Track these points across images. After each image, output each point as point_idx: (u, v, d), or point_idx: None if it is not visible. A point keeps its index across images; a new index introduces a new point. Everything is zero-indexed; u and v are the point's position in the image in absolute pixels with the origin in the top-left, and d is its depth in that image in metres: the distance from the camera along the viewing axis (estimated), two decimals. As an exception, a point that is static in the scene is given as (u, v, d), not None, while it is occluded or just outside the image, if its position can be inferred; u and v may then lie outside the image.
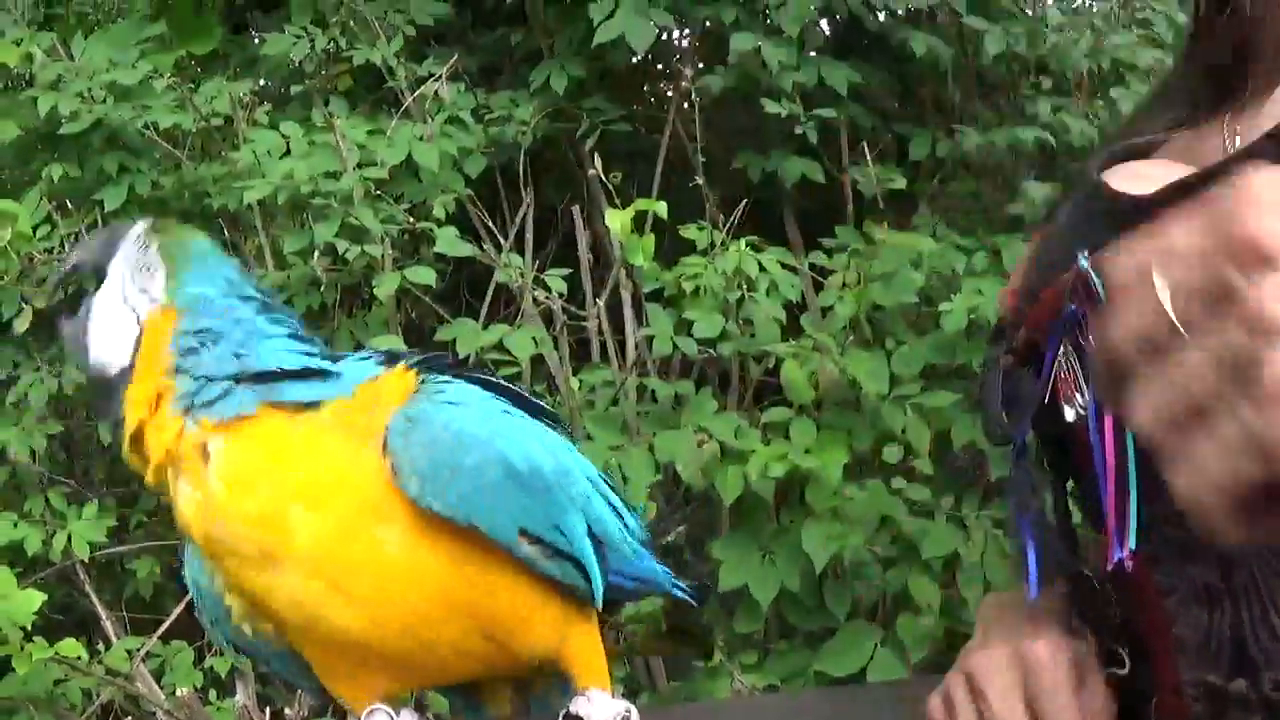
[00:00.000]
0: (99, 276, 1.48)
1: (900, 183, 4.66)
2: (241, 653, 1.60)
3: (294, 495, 1.36)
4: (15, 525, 4.20)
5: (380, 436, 1.39)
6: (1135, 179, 1.24)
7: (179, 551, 4.31)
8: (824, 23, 5.02)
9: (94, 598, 4.50)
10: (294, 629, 1.46)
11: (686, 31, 5.18)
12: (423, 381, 1.47)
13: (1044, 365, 1.27)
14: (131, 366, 1.45)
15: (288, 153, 4.42)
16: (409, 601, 1.41)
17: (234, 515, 1.37)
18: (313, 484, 1.37)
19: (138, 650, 4.22)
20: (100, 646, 4.35)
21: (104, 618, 4.50)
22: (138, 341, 1.46)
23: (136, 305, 1.47)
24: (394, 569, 1.39)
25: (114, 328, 1.47)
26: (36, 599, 3.58)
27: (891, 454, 4.15)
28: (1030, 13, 5.11)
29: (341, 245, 4.14)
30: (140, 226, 1.52)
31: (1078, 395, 1.28)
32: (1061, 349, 1.26)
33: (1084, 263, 1.07)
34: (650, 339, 4.19)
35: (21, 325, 4.40)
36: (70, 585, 4.60)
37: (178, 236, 1.53)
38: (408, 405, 1.41)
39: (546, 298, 4.19)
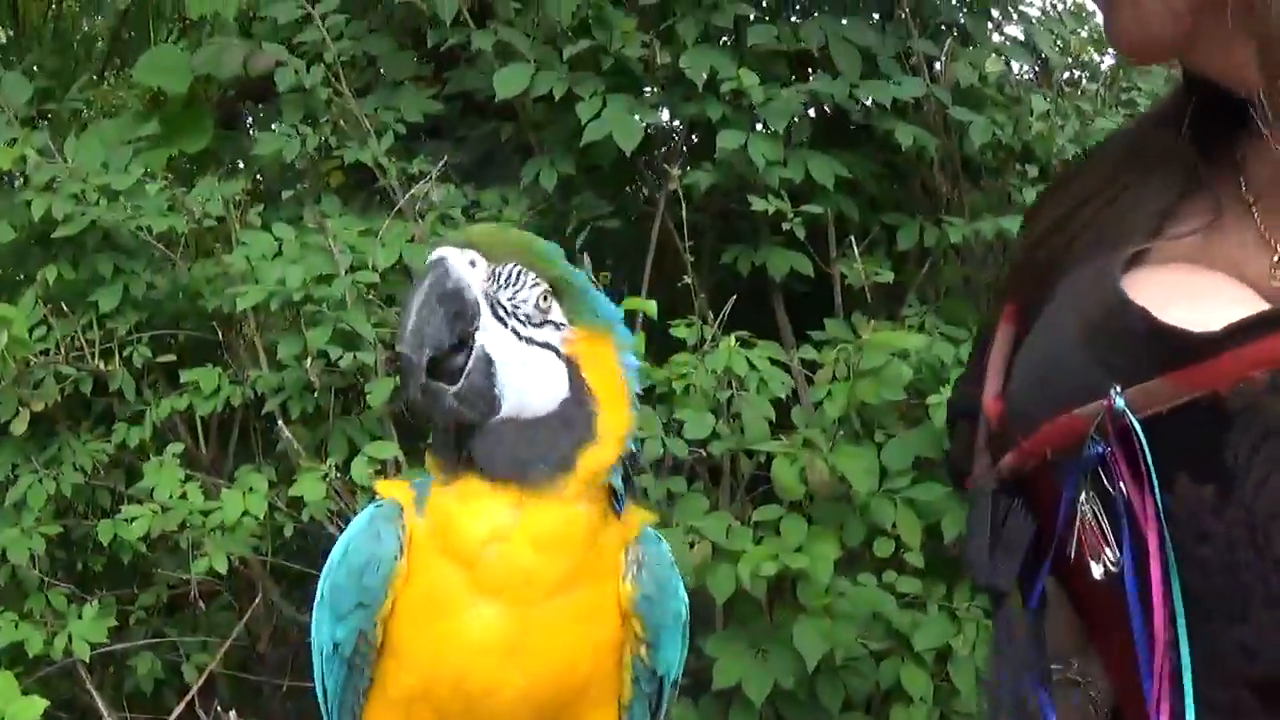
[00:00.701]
0: (454, 334, 1.69)
1: (887, 275, 4.75)
2: None
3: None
4: (17, 626, 4.30)
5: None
6: (1168, 299, 1.12)
7: (179, 647, 4.39)
8: (811, 111, 5.10)
9: (95, 696, 4.59)
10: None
11: (676, 124, 5.28)
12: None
13: (1060, 508, 1.15)
14: (578, 398, 1.74)
15: (280, 252, 4.51)
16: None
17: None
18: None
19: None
20: (100, 750, 4.46)
21: (105, 716, 4.59)
22: (574, 373, 1.75)
23: (547, 339, 1.75)
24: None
25: (529, 368, 1.72)
26: (39, 705, 3.66)
27: (883, 548, 4.22)
28: (1018, 98, 5.20)
29: (335, 351, 4.23)
30: (473, 262, 1.71)
31: (1106, 550, 1.13)
32: (1083, 494, 1.13)
33: (1120, 402, 1.04)
34: (642, 441, 4.22)
35: (19, 427, 4.51)
36: (72, 681, 4.68)
37: (534, 258, 1.76)
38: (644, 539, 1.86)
39: None
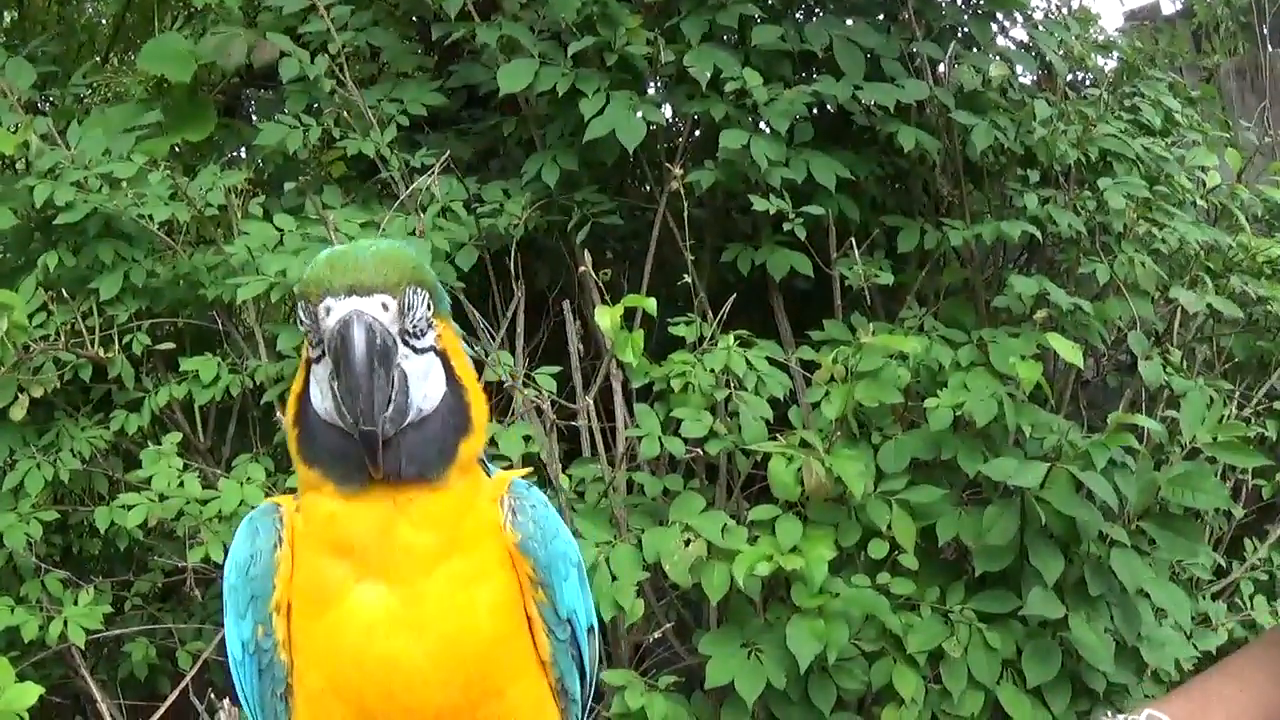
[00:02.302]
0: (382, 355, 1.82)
1: (887, 277, 4.78)
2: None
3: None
4: (12, 611, 4.31)
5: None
6: None
7: (175, 634, 4.42)
8: (814, 112, 5.11)
9: (89, 681, 4.61)
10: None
11: (679, 122, 5.29)
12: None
13: None
14: (454, 390, 1.91)
15: (281, 243, 4.54)
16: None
17: None
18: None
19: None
20: (94, 736, 4.48)
21: (99, 701, 4.62)
22: (447, 365, 1.93)
23: (430, 343, 1.91)
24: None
25: (425, 373, 1.88)
26: (34, 692, 3.68)
27: (877, 549, 4.25)
28: (1021, 99, 5.22)
29: (335, 343, 4.22)
30: (385, 305, 1.84)
31: None
32: None
33: None
34: (640, 439, 4.28)
35: (18, 413, 4.53)
36: (67, 667, 4.71)
37: (420, 274, 1.90)
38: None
39: (537, 396, 4.28)
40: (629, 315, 4.14)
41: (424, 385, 1.88)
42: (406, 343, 1.86)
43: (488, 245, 4.80)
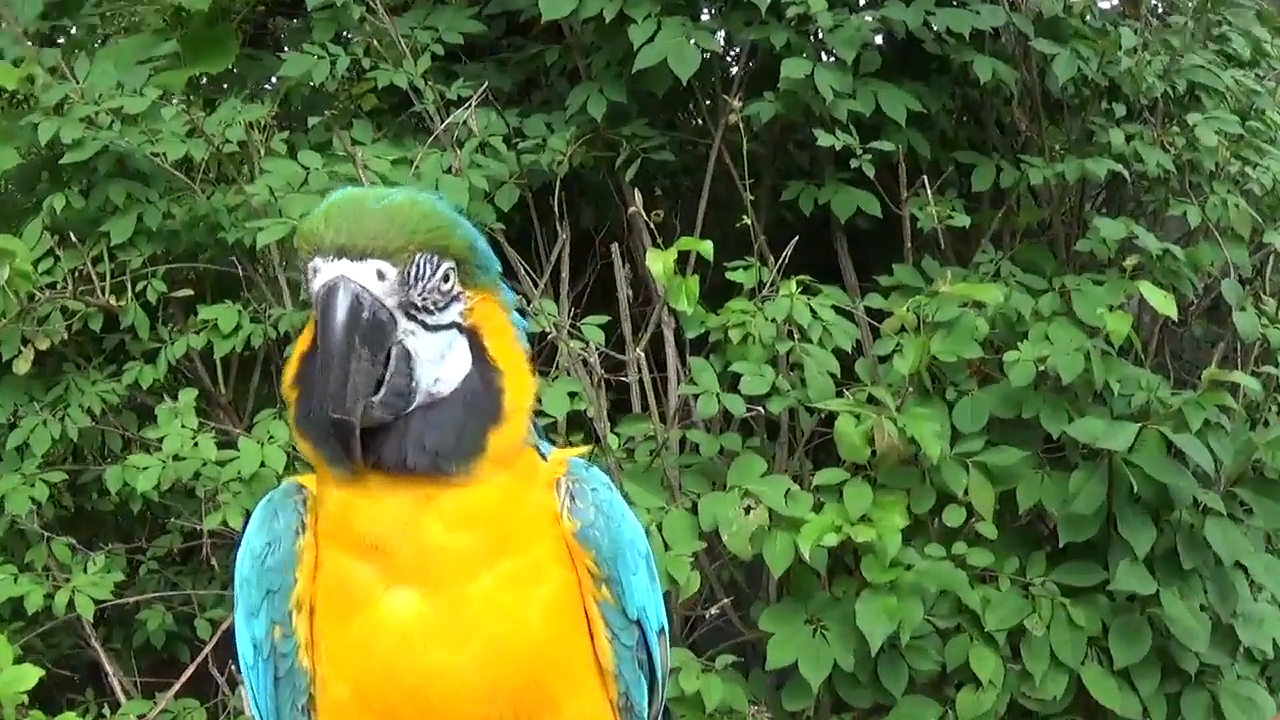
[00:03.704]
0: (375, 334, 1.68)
1: (962, 219, 4.53)
2: None
3: None
4: (15, 580, 4.08)
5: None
6: None
7: (194, 600, 4.25)
8: (880, 40, 4.83)
9: (100, 651, 4.38)
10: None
11: (736, 51, 5.05)
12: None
13: None
14: (483, 371, 1.75)
15: (307, 182, 4.29)
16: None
17: None
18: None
19: (146, 716, 4.12)
20: (106, 711, 4.25)
21: (111, 674, 4.38)
22: (476, 343, 1.76)
23: (451, 319, 1.74)
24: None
25: (439, 353, 1.73)
26: (33, 675, 3.45)
27: (953, 516, 4.05)
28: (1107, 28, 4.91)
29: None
30: (380, 273, 1.67)
31: None
32: None
33: None
34: (696, 397, 4.07)
35: (22, 367, 4.29)
36: (78, 636, 4.49)
37: (437, 237, 1.72)
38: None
39: (583, 349, 4.08)
40: (682, 259, 3.94)
41: (437, 367, 1.73)
42: (413, 317, 1.71)
43: (529, 184, 4.59)
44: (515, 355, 1.81)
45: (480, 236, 1.80)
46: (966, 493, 4.03)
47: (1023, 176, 4.64)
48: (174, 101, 4.49)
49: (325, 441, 1.70)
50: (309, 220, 1.69)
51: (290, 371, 1.78)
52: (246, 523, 1.91)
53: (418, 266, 1.68)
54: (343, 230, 1.65)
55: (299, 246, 1.69)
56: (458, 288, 1.74)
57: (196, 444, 4.02)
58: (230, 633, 4.10)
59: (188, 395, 4.18)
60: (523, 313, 1.94)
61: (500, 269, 1.85)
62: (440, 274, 1.71)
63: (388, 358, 1.69)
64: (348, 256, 1.64)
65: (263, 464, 3.96)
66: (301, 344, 1.78)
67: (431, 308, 1.72)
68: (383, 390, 1.68)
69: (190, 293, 4.57)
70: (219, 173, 4.59)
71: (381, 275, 1.65)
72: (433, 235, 1.70)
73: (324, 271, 1.65)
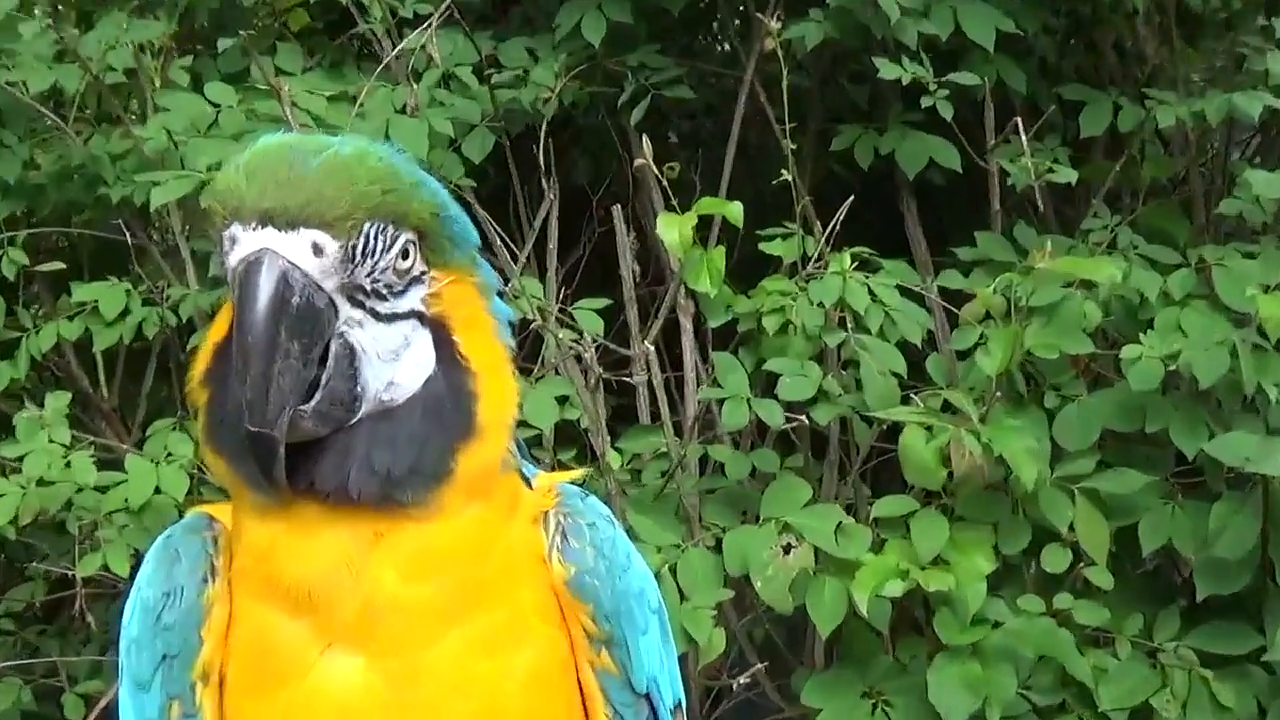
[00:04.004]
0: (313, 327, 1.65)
1: (1067, 173, 4.46)
2: None
3: None
4: None
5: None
6: None
7: (61, 669, 4.23)
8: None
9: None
10: None
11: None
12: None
13: None
14: (450, 372, 1.73)
15: (216, 123, 4.30)
16: None
17: None
18: None
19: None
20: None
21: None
22: (442, 336, 1.74)
23: (410, 306, 1.72)
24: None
25: (393, 348, 1.71)
26: None
27: (1055, 559, 4.03)
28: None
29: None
30: (318, 247, 1.64)
31: None
32: None
33: None
34: (720, 403, 4.04)
35: None
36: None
37: (394, 202, 1.69)
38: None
39: (576, 341, 4.07)
40: (704, 226, 3.95)
41: (391, 367, 1.71)
42: (360, 303, 1.69)
43: (507, 128, 4.59)
44: (493, 352, 1.80)
45: (452, 201, 1.78)
46: (1072, 529, 4.00)
47: (1149, 117, 4.60)
48: (38, 15, 4.48)
49: (243, 460, 1.67)
50: (224, 175, 1.66)
51: (200, 368, 1.76)
52: (136, 567, 1.88)
53: (366, 239, 1.66)
54: (269, 190, 1.62)
55: (211, 209, 1.66)
56: (420, 266, 1.73)
57: (69, 464, 3.98)
58: (111, 712, 4.13)
59: (58, 400, 4.14)
60: (506, 297, 1.93)
61: (478, 241, 1.83)
62: (397, 249, 1.69)
63: (325, 355, 1.67)
64: (274, 224, 1.61)
65: (158, 490, 3.92)
66: (215, 332, 1.76)
67: (384, 292, 1.70)
68: (317, 396, 1.66)
69: (61, 266, 4.56)
70: (99, 110, 4.58)
71: (318, 249, 1.63)
72: (388, 199, 1.67)
73: (243, 243, 1.62)
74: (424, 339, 1.74)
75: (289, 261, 1.61)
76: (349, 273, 1.66)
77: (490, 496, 1.79)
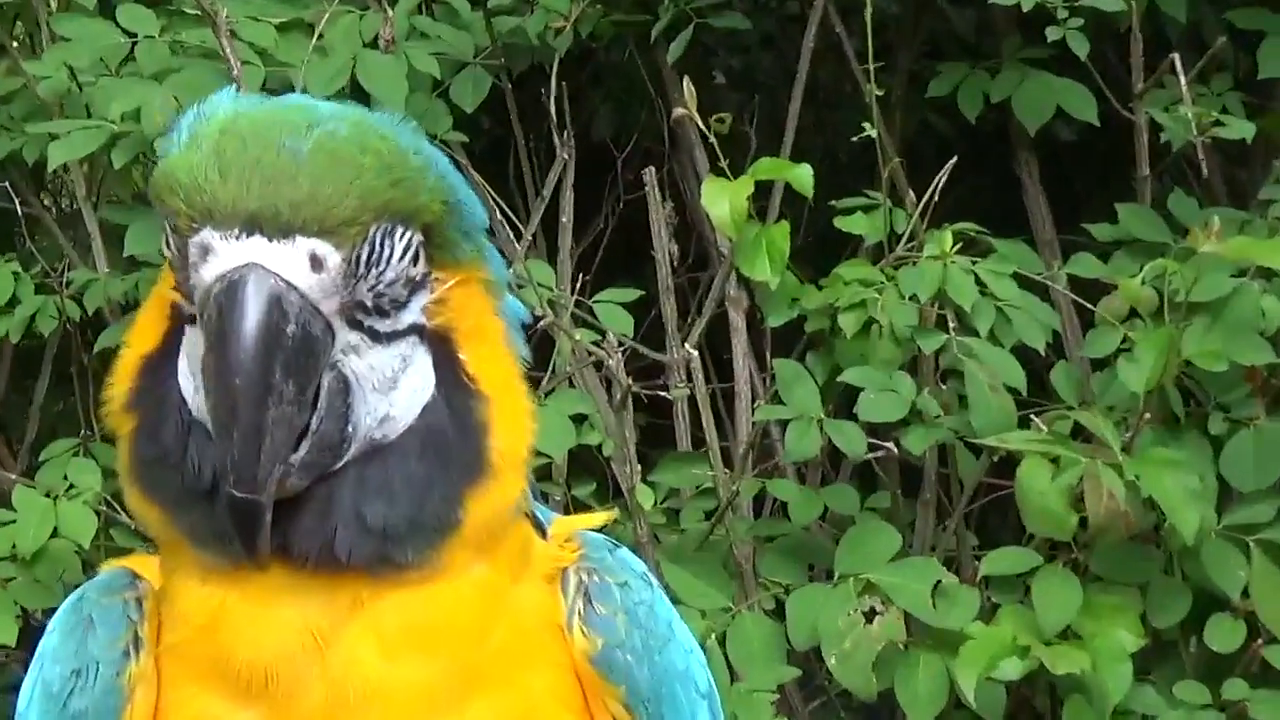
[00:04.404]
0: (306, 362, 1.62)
1: (1240, 125, 4.44)
2: None
3: None
4: None
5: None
6: None
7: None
8: None
9: None
10: None
11: None
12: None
13: None
14: (452, 397, 1.72)
15: (133, 58, 4.31)
16: None
17: None
18: None
19: None
20: None
21: None
22: (444, 353, 1.73)
23: (411, 320, 1.71)
24: None
25: (390, 374, 1.69)
26: None
27: (1223, 634, 4.01)
28: None
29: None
30: (316, 258, 1.62)
31: None
32: None
33: None
34: (783, 425, 4.05)
35: None
36: None
37: (403, 196, 1.67)
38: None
39: (597, 344, 4.06)
40: (761, 195, 3.97)
41: (385, 397, 1.70)
42: (357, 323, 1.67)
43: (508, 66, 4.61)
44: (504, 368, 1.79)
45: (461, 180, 1.77)
46: (1246, 594, 3.98)
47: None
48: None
49: (184, 512, 1.67)
50: (183, 159, 1.62)
51: (121, 387, 1.73)
52: (29, 634, 1.85)
53: (372, 246, 1.65)
54: (252, 185, 1.59)
55: (166, 203, 1.62)
56: (423, 269, 1.71)
57: (-59, 499, 3.98)
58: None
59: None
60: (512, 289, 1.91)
61: (487, 224, 1.83)
62: (407, 254, 1.68)
63: (315, 392, 1.66)
64: (263, 232, 1.59)
65: (55, 532, 3.92)
66: (141, 339, 1.74)
67: (386, 307, 1.69)
68: (304, 445, 1.64)
69: (-68, 243, 4.53)
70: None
71: (317, 263, 1.61)
72: (397, 193, 1.65)
73: (221, 255, 1.59)
74: (423, 357, 1.72)
75: (283, 280, 1.59)
76: (351, 289, 1.64)
77: (498, 550, 1.77)
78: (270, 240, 1.58)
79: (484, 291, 1.79)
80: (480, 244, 1.79)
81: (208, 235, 1.58)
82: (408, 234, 1.66)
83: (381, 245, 1.64)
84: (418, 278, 1.70)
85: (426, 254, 1.70)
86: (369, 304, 1.66)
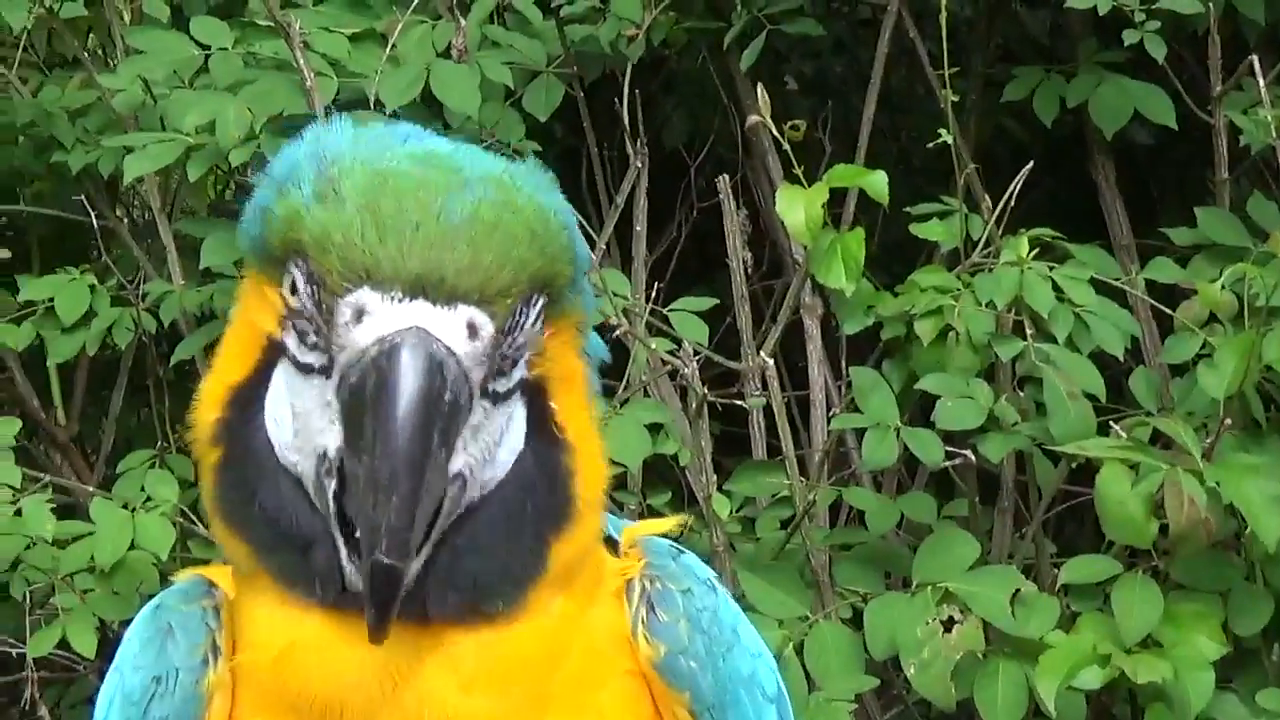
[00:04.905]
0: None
1: None
2: None
3: None
4: None
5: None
6: None
7: None
8: None
9: None
10: None
11: None
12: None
13: None
14: (541, 448, 1.73)
15: (206, 70, 4.32)
16: None
17: None
18: None
19: None
20: None
21: None
22: (537, 404, 1.73)
23: (520, 374, 1.70)
24: None
25: (498, 435, 1.69)
26: None
27: None
28: None
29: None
30: (473, 327, 1.62)
31: None
32: None
33: None
34: (859, 434, 4.05)
35: None
36: None
37: (545, 264, 1.67)
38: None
39: (672, 354, 4.05)
40: (835, 202, 4.00)
41: (494, 458, 1.71)
42: (485, 389, 1.67)
43: (581, 75, 4.62)
44: (586, 412, 1.81)
45: (577, 227, 1.78)
46: (1334, 602, 3.94)
47: None
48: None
49: (294, 566, 1.68)
50: (333, 215, 1.61)
51: (209, 415, 1.73)
52: (106, 646, 1.85)
53: (515, 313, 1.66)
54: (415, 247, 1.59)
55: (308, 254, 1.62)
56: (542, 327, 1.72)
57: (19, 511, 3.99)
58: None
59: (4, 428, 4.16)
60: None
61: (587, 263, 1.83)
62: (539, 318, 1.69)
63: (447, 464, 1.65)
64: (429, 297, 1.59)
65: (133, 545, 3.91)
66: (229, 368, 1.74)
67: (507, 368, 1.69)
68: (443, 510, 1.65)
69: (5, 254, 4.61)
70: (51, 50, 4.65)
71: (473, 331, 1.61)
72: (545, 261, 1.67)
73: (380, 316, 1.60)
74: (520, 410, 1.73)
75: (444, 347, 1.59)
76: (495, 358, 1.65)
77: (576, 582, 1.79)
78: (436, 307, 1.58)
79: (576, 334, 1.79)
80: (582, 288, 1.79)
81: (365, 296, 1.59)
82: (542, 299, 1.66)
83: (523, 313, 1.64)
84: (538, 337, 1.70)
85: (546, 313, 1.70)
86: (504, 369, 1.67)
